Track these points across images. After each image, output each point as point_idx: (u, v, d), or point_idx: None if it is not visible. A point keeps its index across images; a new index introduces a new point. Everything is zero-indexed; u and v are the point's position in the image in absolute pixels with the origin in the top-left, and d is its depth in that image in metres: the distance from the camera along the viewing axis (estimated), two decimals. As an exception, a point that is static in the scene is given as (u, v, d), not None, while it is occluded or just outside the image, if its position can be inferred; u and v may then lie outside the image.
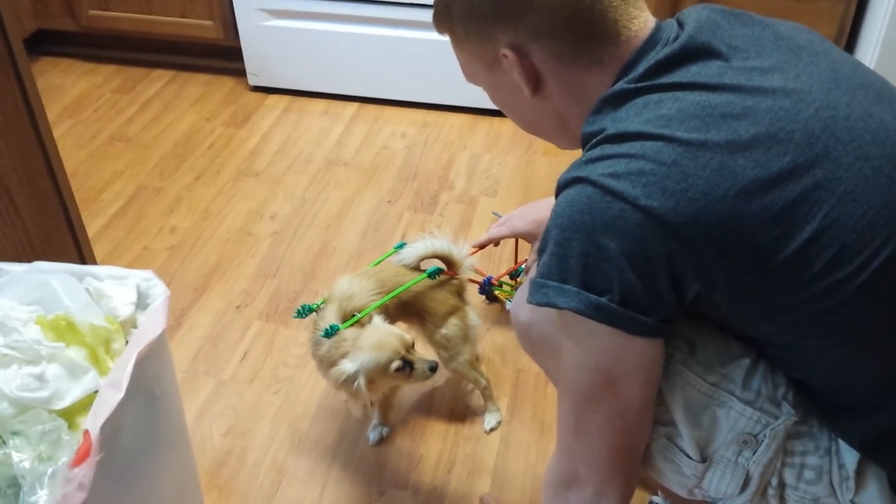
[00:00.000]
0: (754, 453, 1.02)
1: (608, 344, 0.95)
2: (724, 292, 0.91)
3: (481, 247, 1.79)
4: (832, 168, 0.88)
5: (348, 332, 1.48)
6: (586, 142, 0.98)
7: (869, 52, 2.35)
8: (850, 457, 1.01)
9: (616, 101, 0.96)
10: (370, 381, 1.43)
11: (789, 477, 1.03)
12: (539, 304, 0.95)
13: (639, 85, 0.95)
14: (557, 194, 0.96)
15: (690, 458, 1.04)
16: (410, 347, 1.48)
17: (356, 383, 1.41)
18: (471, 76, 1.11)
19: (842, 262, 0.88)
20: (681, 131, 0.88)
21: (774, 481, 1.04)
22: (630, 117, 0.93)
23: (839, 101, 0.92)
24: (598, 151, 0.93)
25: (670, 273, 0.89)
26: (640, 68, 0.95)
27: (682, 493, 1.11)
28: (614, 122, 0.94)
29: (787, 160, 0.87)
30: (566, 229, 0.91)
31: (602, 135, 0.94)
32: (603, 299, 0.90)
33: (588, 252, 0.90)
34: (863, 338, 0.93)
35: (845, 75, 0.96)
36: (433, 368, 1.48)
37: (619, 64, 0.97)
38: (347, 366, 1.42)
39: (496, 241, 1.80)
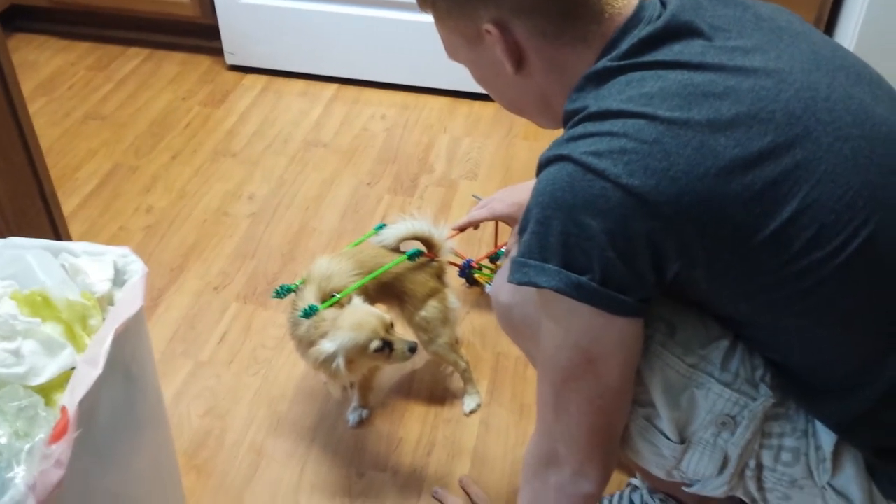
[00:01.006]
0: (732, 435, 1.02)
1: (588, 323, 0.95)
2: (703, 270, 0.91)
3: (461, 229, 1.78)
4: (812, 148, 0.88)
5: (327, 313, 1.47)
6: (568, 119, 0.97)
7: (847, 37, 2.37)
8: (826, 438, 1.02)
9: (599, 78, 0.95)
10: (349, 362, 1.43)
11: (767, 458, 1.04)
12: (520, 284, 0.95)
13: (622, 63, 0.94)
14: (538, 172, 0.95)
15: (669, 439, 1.05)
16: (390, 328, 1.47)
17: (335, 363, 1.41)
18: (453, 53, 1.10)
19: (821, 242, 0.88)
20: (663, 109, 0.88)
21: (752, 463, 1.04)
22: (612, 95, 0.93)
23: (820, 81, 0.92)
24: (580, 129, 0.92)
25: (651, 252, 0.89)
26: (623, 46, 0.95)
27: (661, 475, 1.12)
28: (597, 100, 0.94)
29: (768, 140, 0.87)
30: (547, 207, 0.91)
31: (584, 112, 0.94)
32: (584, 278, 0.90)
33: (569, 231, 0.90)
34: (841, 318, 0.94)
35: (826, 57, 0.96)
36: (413, 349, 1.48)
37: (603, 42, 0.97)
38: (327, 345, 1.41)
39: (476, 224, 1.79)
